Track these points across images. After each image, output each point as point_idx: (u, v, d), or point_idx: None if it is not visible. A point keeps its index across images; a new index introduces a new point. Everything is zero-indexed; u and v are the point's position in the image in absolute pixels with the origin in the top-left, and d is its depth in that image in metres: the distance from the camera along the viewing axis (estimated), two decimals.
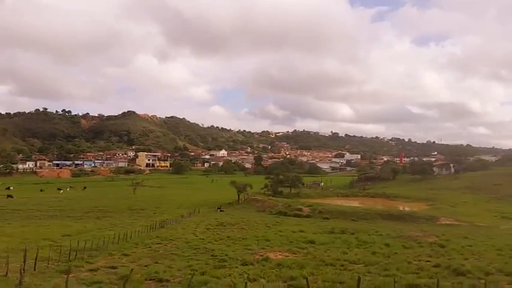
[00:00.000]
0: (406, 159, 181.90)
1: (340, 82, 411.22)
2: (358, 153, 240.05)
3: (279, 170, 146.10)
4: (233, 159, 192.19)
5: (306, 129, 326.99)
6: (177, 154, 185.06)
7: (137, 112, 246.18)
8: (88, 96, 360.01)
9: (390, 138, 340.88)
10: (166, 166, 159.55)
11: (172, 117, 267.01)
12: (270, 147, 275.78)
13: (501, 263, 17.40)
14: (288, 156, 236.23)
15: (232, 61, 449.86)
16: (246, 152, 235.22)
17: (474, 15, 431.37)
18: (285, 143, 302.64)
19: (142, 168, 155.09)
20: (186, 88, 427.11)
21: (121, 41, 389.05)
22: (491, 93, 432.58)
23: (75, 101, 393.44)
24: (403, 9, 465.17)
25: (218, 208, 49.78)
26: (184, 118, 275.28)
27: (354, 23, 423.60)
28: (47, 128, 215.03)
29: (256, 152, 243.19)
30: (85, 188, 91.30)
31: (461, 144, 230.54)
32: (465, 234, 30.64)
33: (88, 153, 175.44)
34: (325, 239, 25.99)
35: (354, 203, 56.40)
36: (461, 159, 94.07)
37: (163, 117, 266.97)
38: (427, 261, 18.86)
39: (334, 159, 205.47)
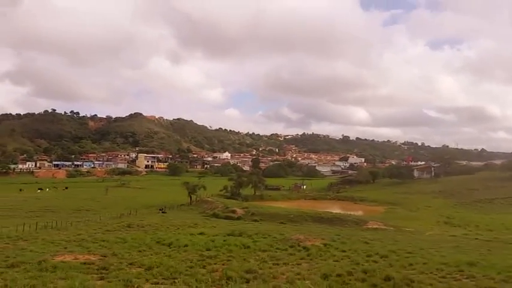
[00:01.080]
0: (413, 163, 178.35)
1: (354, 85, 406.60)
2: (366, 157, 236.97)
3: (275, 172, 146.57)
4: (235, 161, 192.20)
5: (316, 132, 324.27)
6: (177, 156, 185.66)
7: (144, 114, 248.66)
8: (104, 99, 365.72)
9: (403, 142, 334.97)
10: (164, 168, 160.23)
11: (179, 119, 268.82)
12: (277, 150, 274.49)
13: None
14: (293, 158, 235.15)
15: (244, 64, 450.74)
16: (251, 155, 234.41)
17: (487, 18, 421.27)
18: (293, 145, 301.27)
19: (140, 169, 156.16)
20: (199, 91, 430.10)
21: (135, 44, 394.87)
22: (510, 98, 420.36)
23: (91, 103, 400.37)
24: (416, 12, 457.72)
25: (160, 210, 49.22)
26: (191, 120, 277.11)
27: (366, 26, 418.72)
28: (55, 129, 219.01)
29: (261, 154, 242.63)
30: (66, 188, 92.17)
31: (455, 147, 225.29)
32: (372, 238, 29.34)
33: (90, 154, 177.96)
34: (197, 241, 24.96)
35: (305, 206, 54.96)
36: (447, 163, 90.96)
37: (171, 119, 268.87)
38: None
39: (337, 163, 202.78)
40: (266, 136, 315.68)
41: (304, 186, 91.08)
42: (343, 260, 20.27)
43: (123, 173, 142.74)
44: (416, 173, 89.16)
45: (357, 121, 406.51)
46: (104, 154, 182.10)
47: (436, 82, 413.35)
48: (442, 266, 16.65)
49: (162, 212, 47.70)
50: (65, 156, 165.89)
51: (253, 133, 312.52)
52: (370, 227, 36.77)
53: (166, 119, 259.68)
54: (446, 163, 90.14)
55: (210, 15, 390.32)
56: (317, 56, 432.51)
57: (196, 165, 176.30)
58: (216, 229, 31.88)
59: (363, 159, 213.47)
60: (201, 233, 29.31)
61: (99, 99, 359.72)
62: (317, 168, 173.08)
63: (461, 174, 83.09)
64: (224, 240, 24.81)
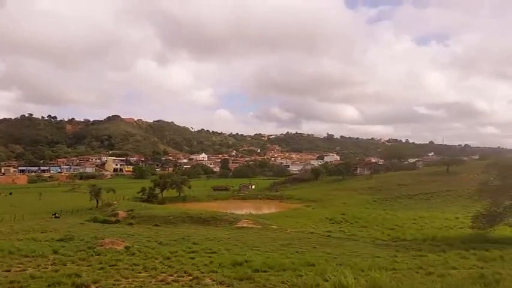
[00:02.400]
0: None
1: (341, 83, 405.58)
2: (346, 155, 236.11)
3: (244, 172, 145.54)
4: (211, 162, 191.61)
5: (306, 132, 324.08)
6: (150, 158, 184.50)
7: (123, 116, 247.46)
8: (91, 102, 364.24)
9: (387, 139, 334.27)
10: (131, 171, 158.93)
11: (159, 121, 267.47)
12: (259, 150, 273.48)
13: None
14: (273, 158, 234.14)
15: (232, 64, 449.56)
16: (229, 155, 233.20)
17: (472, 12, 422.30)
18: (276, 145, 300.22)
19: (107, 173, 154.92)
20: (189, 92, 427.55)
21: (120, 46, 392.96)
22: (497, 92, 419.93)
23: (79, 106, 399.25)
24: (401, 9, 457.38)
25: (53, 214, 48.06)
26: (172, 122, 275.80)
27: (352, 24, 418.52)
28: (30, 134, 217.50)
29: (240, 155, 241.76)
30: (10, 193, 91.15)
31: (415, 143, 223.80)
32: (215, 237, 28.62)
33: (61, 159, 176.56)
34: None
35: (216, 206, 53.87)
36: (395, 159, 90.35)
37: (151, 121, 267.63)
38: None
39: (313, 161, 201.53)
40: (250, 136, 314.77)
41: (253, 186, 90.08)
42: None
43: (86, 177, 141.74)
44: (359, 170, 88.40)
45: (347, 119, 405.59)
46: (74, 158, 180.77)
47: (423, 78, 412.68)
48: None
49: (56, 217, 46.62)
50: (33, 161, 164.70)
51: (236, 133, 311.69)
52: (239, 225, 35.74)
53: (146, 121, 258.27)
54: (394, 159, 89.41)
55: (194, 15, 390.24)
56: (304, 54, 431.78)
57: (167, 168, 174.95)
58: (57, 234, 30.73)
59: (338, 157, 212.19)
60: (33, 238, 28.23)
61: (87, 103, 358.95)
62: (290, 167, 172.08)
63: (404, 169, 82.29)
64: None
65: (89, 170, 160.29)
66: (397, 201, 55.75)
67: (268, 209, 52.35)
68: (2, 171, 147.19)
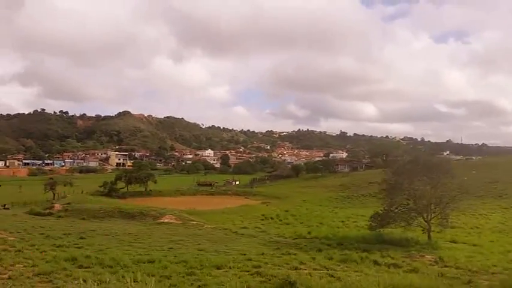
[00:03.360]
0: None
1: (358, 81, 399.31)
2: (357, 153, 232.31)
3: (243, 169, 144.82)
4: (215, 158, 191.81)
5: (320, 130, 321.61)
6: (154, 154, 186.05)
7: (132, 112, 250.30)
8: (110, 99, 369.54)
9: (402, 137, 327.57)
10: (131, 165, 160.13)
11: (169, 117, 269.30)
12: (269, 147, 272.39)
13: None
14: (280, 155, 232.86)
15: (248, 61, 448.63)
16: (237, 152, 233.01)
17: (488, 9, 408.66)
18: (287, 142, 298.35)
19: (108, 167, 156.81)
20: (204, 89, 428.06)
21: (137, 44, 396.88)
22: None
23: (99, 103, 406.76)
24: (418, 6, 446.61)
25: (3, 206, 48.32)
26: (183, 118, 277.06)
27: (367, 21, 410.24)
28: (42, 129, 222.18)
29: (248, 151, 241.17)
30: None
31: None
32: (116, 230, 28.21)
33: (66, 153, 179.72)
34: None
35: (174, 202, 53.21)
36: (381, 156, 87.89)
37: (162, 117, 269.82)
38: None
39: (317, 158, 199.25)
40: (261, 133, 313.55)
41: (237, 182, 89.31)
42: None
43: (87, 171, 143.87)
44: (340, 167, 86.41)
45: (365, 117, 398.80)
46: (80, 153, 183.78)
47: (443, 76, 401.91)
48: None
49: (5, 208, 46.91)
50: (38, 155, 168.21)
51: (248, 130, 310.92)
52: (160, 221, 34.96)
53: (156, 117, 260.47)
54: (378, 157, 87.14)
55: (208, 12, 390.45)
56: (320, 51, 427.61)
57: (170, 163, 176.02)
58: None
59: (345, 155, 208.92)
60: None
61: (105, 100, 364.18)
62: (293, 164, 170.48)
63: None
64: None
65: (93, 164, 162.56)
66: (358, 199, 53.84)
67: (218, 205, 50.97)
68: (7, 163, 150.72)
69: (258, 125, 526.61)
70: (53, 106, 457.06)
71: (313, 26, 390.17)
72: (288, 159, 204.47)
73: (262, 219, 37.14)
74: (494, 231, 30.98)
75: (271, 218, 37.84)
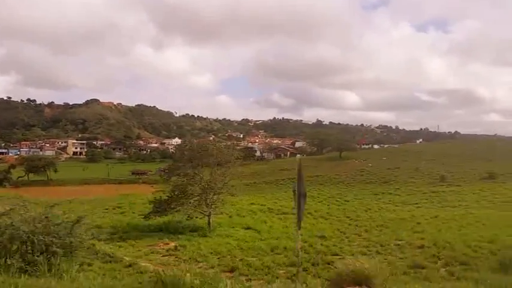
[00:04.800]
0: (365, 146, 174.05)
1: (341, 69, 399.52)
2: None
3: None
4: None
5: (285, 118, 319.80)
6: (116, 142, 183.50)
7: (101, 100, 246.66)
8: (93, 87, 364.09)
9: (377, 125, 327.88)
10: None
11: (140, 105, 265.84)
12: (242, 135, 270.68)
13: None
14: (251, 143, 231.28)
15: (229, 49, 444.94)
16: (208, 140, 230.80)
17: None
18: (262, 131, 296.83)
19: (64, 156, 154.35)
20: (185, 77, 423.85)
21: (116, 32, 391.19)
22: (498, 79, 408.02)
23: (79, 91, 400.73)
24: None
25: None
26: (155, 106, 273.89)
27: (347, 9, 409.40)
28: (8, 117, 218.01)
29: (217, 139, 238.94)
30: None
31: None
32: None
33: (25, 142, 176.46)
34: None
35: (60, 191, 51.56)
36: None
37: (133, 105, 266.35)
38: None
39: (285, 146, 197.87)
40: (237, 122, 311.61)
41: None
42: None
43: (39, 159, 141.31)
44: (266, 155, 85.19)
45: (349, 106, 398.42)
46: (40, 141, 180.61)
47: (423, 65, 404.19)
48: None
49: None
50: None
51: (224, 118, 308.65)
52: None
53: (125, 105, 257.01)
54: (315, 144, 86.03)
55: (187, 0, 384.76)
56: (301, 40, 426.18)
57: (130, 152, 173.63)
58: None
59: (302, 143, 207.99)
60: None
61: (85, 88, 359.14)
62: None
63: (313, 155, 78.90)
64: None
65: (49, 153, 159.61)
66: (259, 185, 52.92)
67: (97, 193, 49.44)
68: None
69: (242, 113, 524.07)
70: (32, 94, 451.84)
71: (293, 14, 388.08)
72: (255, 147, 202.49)
73: (107, 209, 35.62)
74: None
75: (119, 207, 36.32)
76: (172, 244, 20.66)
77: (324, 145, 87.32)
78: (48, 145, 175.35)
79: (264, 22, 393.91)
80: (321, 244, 20.11)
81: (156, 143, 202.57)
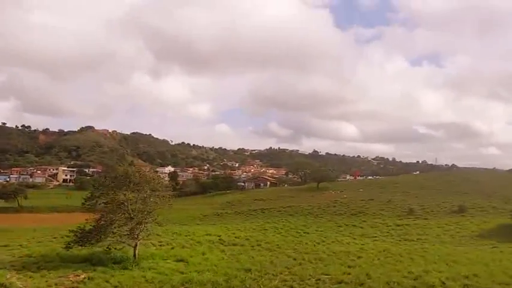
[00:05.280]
0: (360, 177, 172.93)
1: (335, 101, 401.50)
2: (318, 172, 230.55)
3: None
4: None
5: (282, 148, 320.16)
6: (104, 170, 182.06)
7: (97, 127, 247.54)
8: (90, 114, 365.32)
9: (374, 157, 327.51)
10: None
11: (135, 133, 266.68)
12: (237, 164, 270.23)
13: None
14: (244, 174, 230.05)
15: (226, 80, 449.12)
16: (201, 170, 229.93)
17: (458, 34, 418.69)
18: (258, 160, 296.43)
19: (53, 183, 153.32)
20: (183, 106, 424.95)
21: (113, 60, 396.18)
22: (494, 113, 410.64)
23: (77, 118, 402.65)
24: (391, 30, 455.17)
25: None
26: (150, 134, 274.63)
27: (341, 43, 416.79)
28: (1, 143, 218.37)
29: (212, 169, 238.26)
30: None
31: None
32: None
33: (15, 169, 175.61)
34: None
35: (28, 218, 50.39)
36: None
37: (128, 133, 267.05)
38: None
39: (266, 177, 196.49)
40: (233, 151, 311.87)
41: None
42: None
43: (26, 186, 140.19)
44: (246, 184, 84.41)
45: (347, 137, 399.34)
46: (31, 168, 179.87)
47: (420, 98, 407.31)
48: None
49: None
50: None
51: (220, 147, 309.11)
52: None
53: (120, 133, 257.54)
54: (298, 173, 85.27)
55: (183, 31, 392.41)
56: (296, 71, 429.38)
57: None
58: None
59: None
60: None
61: (84, 115, 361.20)
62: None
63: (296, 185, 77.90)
64: None
65: (39, 179, 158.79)
66: (228, 216, 51.34)
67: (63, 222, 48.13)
68: None
69: (241, 143, 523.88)
70: (30, 120, 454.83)
71: (288, 47, 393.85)
72: (243, 176, 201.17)
73: (55, 237, 34.39)
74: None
75: (67, 236, 35.03)
76: (83, 276, 19.56)
77: (307, 176, 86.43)
78: (39, 172, 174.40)
79: (260, 54, 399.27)
80: (239, 278, 18.99)
81: (148, 171, 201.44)
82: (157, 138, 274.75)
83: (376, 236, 35.07)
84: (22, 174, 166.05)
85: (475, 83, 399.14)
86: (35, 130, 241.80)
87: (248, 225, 42.90)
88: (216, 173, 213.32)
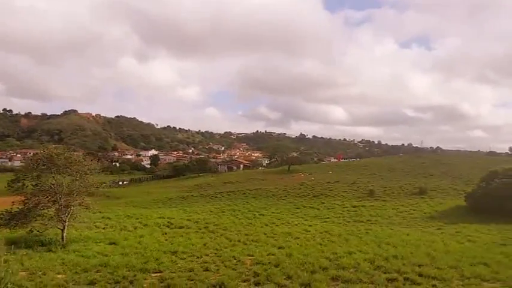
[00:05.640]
0: (344, 160, 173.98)
1: (325, 84, 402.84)
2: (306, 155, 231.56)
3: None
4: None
5: (268, 131, 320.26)
6: (84, 153, 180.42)
7: (79, 111, 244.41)
8: (77, 97, 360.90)
9: (360, 140, 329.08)
10: None
11: (119, 116, 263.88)
12: (223, 148, 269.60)
13: None
14: (231, 157, 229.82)
15: (214, 63, 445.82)
16: (186, 153, 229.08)
17: (447, 16, 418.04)
18: (244, 143, 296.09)
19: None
20: (172, 89, 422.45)
21: (100, 43, 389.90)
22: (482, 96, 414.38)
23: (64, 102, 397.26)
24: (381, 12, 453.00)
25: None
26: (134, 118, 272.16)
27: (331, 26, 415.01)
28: None
29: (196, 152, 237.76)
30: None
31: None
32: None
33: None
34: None
35: None
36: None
37: (113, 116, 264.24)
38: None
39: (240, 160, 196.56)
40: (219, 134, 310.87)
41: (125, 182, 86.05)
42: None
43: (4, 170, 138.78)
44: (220, 167, 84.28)
45: (336, 120, 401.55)
46: (11, 152, 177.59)
47: (408, 81, 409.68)
48: None
49: None
50: None
51: (206, 131, 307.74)
52: None
53: (104, 116, 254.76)
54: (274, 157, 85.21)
55: (170, 13, 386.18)
56: (285, 54, 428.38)
57: (101, 162, 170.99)
58: None
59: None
60: None
61: (70, 99, 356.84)
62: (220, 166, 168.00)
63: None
64: None
65: (17, 163, 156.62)
66: (193, 198, 51.04)
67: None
68: None
69: (230, 126, 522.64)
70: (18, 105, 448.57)
71: (278, 30, 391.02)
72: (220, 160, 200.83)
73: None
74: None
75: None
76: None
77: (279, 159, 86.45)
78: (19, 155, 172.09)
79: (248, 37, 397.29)
80: (160, 260, 18.57)
81: (131, 155, 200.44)
82: (142, 122, 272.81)
83: (328, 218, 34.92)
84: (1, 158, 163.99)
85: (463, 65, 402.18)
86: (16, 114, 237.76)
87: (209, 207, 42.55)
88: (200, 156, 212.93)
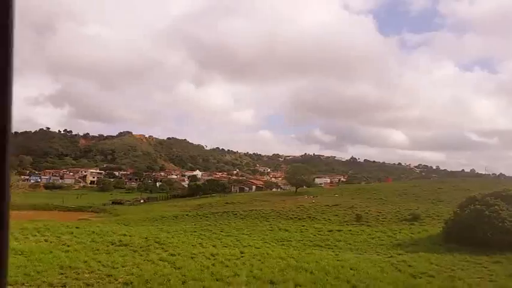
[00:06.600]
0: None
1: (381, 107, 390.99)
2: (352, 178, 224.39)
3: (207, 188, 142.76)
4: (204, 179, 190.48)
5: (316, 154, 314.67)
6: (133, 173, 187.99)
7: (134, 133, 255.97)
8: (138, 120, 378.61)
9: (417, 165, 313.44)
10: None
11: (170, 138, 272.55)
12: (269, 170, 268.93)
13: None
14: (274, 178, 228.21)
15: (267, 87, 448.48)
16: (230, 174, 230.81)
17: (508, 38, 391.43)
18: None
19: (75, 185, 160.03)
20: (226, 114, 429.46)
21: (159, 69, 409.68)
22: None
23: (128, 124, 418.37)
24: (438, 35, 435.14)
25: None
26: (185, 139, 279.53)
27: (386, 49, 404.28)
28: (43, 146, 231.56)
29: (240, 173, 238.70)
30: None
31: None
32: None
33: (47, 170, 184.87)
34: None
35: None
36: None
37: (165, 138, 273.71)
38: None
39: (254, 181, 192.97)
40: (267, 156, 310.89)
41: (141, 200, 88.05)
42: None
43: (53, 187, 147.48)
44: (233, 188, 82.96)
45: (394, 144, 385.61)
46: (65, 170, 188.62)
47: (471, 104, 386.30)
48: None
49: None
50: (22, 171, 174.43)
51: (254, 153, 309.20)
52: None
53: (156, 138, 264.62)
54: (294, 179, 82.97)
55: (223, 39, 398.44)
56: (339, 78, 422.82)
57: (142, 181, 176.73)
58: None
59: (328, 180, 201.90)
60: None
61: (138, 122, 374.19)
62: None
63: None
64: None
65: (68, 181, 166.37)
66: (187, 218, 50.56)
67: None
68: None
69: (283, 149, 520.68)
70: (83, 126, 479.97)
71: (329, 53, 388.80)
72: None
73: None
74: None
75: None
76: None
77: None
78: (71, 173, 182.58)
79: (301, 60, 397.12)
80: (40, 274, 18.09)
81: (177, 175, 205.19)
82: (191, 143, 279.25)
83: (290, 241, 32.76)
84: (54, 176, 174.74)
85: None
86: (75, 134, 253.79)
87: (183, 227, 41.78)
88: (243, 177, 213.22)
